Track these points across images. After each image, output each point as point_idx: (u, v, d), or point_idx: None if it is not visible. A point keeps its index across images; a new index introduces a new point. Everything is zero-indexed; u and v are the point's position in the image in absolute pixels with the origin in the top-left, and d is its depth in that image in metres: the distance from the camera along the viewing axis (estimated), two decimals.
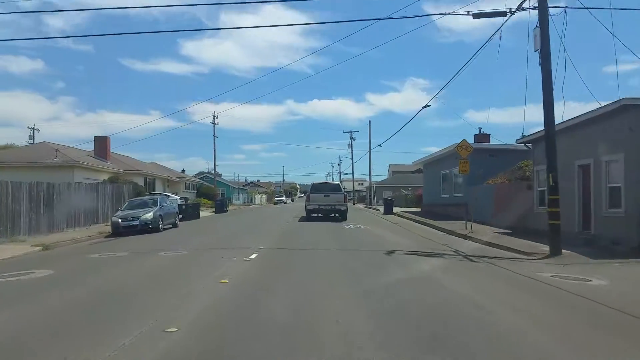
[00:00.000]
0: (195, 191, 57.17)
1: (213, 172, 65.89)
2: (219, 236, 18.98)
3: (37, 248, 15.82)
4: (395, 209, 36.87)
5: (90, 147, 38.52)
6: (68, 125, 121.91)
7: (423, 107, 25.64)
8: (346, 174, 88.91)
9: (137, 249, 14.92)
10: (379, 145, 71.67)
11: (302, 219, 27.31)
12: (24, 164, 30.26)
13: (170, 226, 23.32)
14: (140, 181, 38.49)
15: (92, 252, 14.27)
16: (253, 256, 11.80)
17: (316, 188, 28.04)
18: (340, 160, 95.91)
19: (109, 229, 22.37)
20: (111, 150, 39.87)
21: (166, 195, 28.96)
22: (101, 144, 38.62)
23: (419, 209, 38.47)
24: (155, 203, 22.39)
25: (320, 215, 26.64)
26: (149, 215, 20.89)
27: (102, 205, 25.10)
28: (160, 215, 21.59)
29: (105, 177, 32.85)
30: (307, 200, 27.73)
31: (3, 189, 17.41)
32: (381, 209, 41.97)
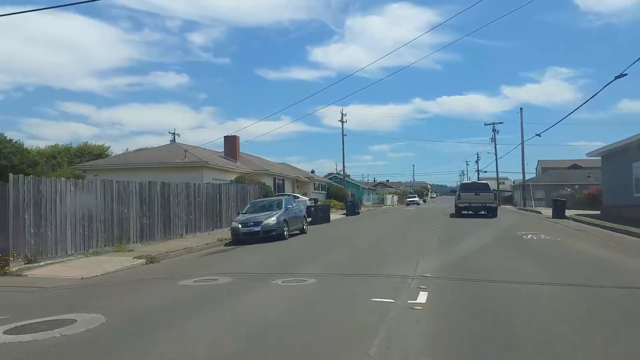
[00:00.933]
0: (324, 192, 54.24)
1: (342, 172, 62.69)
2: (357, 249, 14.60)
3: (140, 261, 12.91)
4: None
5: (222, 149, 37.29)
6: (210, 133, 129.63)
7: (616, 77, 19.30)
8: (484, 172, 79.91)
9: (248, 269, 11.14)
10: (538, 135, 61.87)
11: (452, 222, 23.95)
12: (155, 165, 29.42)
13: (298, 232, 19.65)
14: (269, 182, 36.18)
15: (191, 273, 10.77)
16: (421, 297, 7.03)
17: (466, 187, 30.63)
18: (478, 157, 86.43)
19: (230, 234, 19.46)
20: (242, 152, 38.40)
21: (294, 196, 25.50)
22: (231, 143, 37.08)
23: (597, 212, 30.47)
24: (279, 205, 18.86)
25: (470, 212, 28.48)
26: (272, 220, 17.34)
27: (225, 207, 22.42)
28: (285, 219, 17.95)
29: (233, 177, 30.81)
30: (458, 198, 29.52)
31: (107, 190, 15.01)
32: (543, 211, 34.81)
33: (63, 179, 13.81)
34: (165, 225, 17.77)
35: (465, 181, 35.55)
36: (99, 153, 48.95)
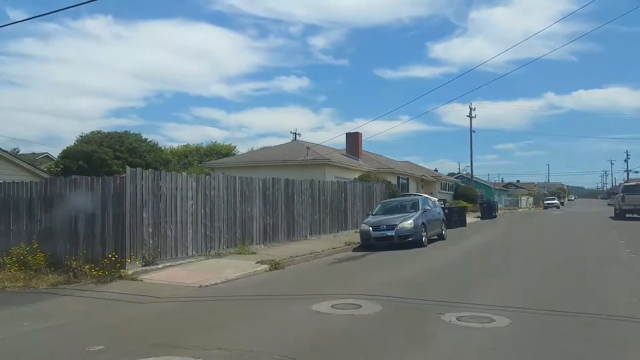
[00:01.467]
0: (451, 192, 50.16)
1: (465, 172, 57.89)
2: (542, 266, 11.54)
3: (263, 267, 11.28)
4: None
5: (341, 147, 35.60)
6: (328, 134, 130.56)
7: None
8: (635, 171, 68.83)
9: (396, 290, 8.70)
10: None
11: (626, 229, 19.81)
12: (277, 163, 28.55)
13: (435, 237, 16.90)
14: (393, 180, 33.64)
15: (323, 288, 8.75)
16: None
17: (631, 189, 28.33)
18: (627, 155, 75.17)
19: (357, 237, 17.37)
20: (363, 150, 36.42)
21: (427, 196, 22.70)
22: (352, 140, 35.21)
23: None
24: (415, 207, 16.29)
25: (635, 215, 26.80)
26: (409, 224, 14.85)
27: (350, 207, 20.42)
28: (423, 223, 15.36)
29: (356, 175, 28.88)
30: (622, 200, 27.63)
31: (230, 186, 13.71)
32: None
33: (184, 173, 12.73)
34: (289, 225, 16.19)
35: (629, 182, 32.39)
36: (226, 152, 50.32)
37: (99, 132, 35.64)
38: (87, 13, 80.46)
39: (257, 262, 11.64)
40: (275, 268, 11.44)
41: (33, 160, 34.42)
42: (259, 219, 14.72)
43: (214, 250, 12.74)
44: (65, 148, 34.07)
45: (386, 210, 16.64)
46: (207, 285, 9.48)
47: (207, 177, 12.97)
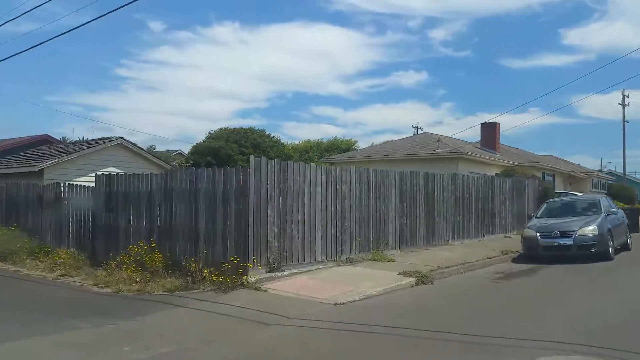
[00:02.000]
0: (604, 191, 43.29)
1: (609, 168, 49.81)
2: None
3: (407, 280, 9.07)
4: None
5: (471, 140, 32.01)
6: (449, 129, 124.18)
7: None
8: None
9: (625, 342, 5.96)
10: None
11: None
12: (403, 157, 26.10)
13: (619, 248, 13.23)
14: (537, 176, 29.25)
15: (506, 326, 6.27)
16: None
17: None
18: None
19: (510, 243, 14.45)
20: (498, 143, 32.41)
21: (604, 196, 18.64)
22: (489, 131, 31.38)
23: None
24: (594, 208, 12.87)
25: None
26: (591, 230, 11.54)
27: (498, 207, 17.30)
28: (609, 229, 11.90)
29: (494, 171, 25.33)
30: None
31: (363, 180, 11.65)
32: None
33: (313, 164, 10.99)
34: (428, 227, 13.75)
35: None
36: (346, 147, 48.83)
37: (225, 128, 36.17)
38: (216, 20, 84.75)
39: (399, 274, 9.43)
40: (422, 282, 9.15)
41: (167, 156, 35.96)
42: (395, 219, 12.49)
43: (344, 255, 10.80)
44: (195, 144, 35.05)
45: (554, 212, 13.38)
46: (343, 303, 7.51)
47: (338, 169, 11.07)
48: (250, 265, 8.63)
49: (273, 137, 35.84)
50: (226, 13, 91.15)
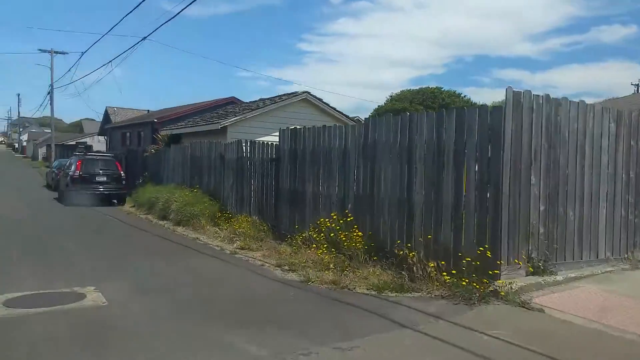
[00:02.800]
0: None
1: None
2: None
3: None
4: None
5: None
6: None
7: None
8: None
9: None
10: None
11: None
12: None
13: None
14: None
15: None
16: None
17: None
18: None
19: None
20: None
21: None
22: None
23: None
24: None
25: None
26: None
27: None
28: None
29: None
30: None
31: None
32: None
33: (597, 105, 7.02)
34: None
35: None
36: None
37: (409, 90, 32.96)
38: None
39: None
40: None
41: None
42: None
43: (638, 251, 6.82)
44: (376, 107, 32.61)
45: None
46: None
47: (634, 114, 6.95)
48: (503, 263, 5.38)
49: (464, 97, 31.41)
50: None
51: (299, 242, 7.80)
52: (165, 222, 12.31)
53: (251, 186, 10.48)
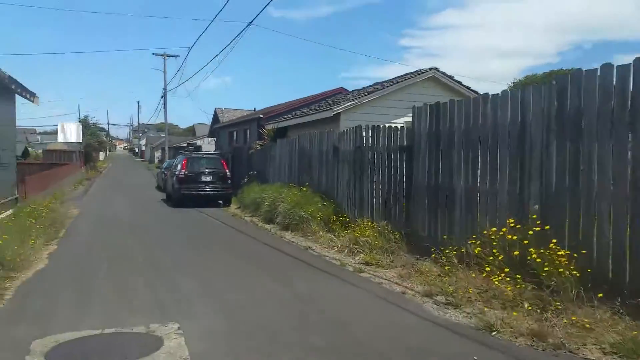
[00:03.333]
0: None
1: None
2: None
3: None
4: None
5: None
6: None
7: None
8: None
9: None
10: None
11: None
12: None
13: None
14: None
15: None
16: None
17: None
18: None
19: None
20: None
21: None
22: None
23: None
24: None
25: None
26: None
27: None
28: None
29: None
30: None
31: None
32: None
33: None
34: None
35: None
36: None
37: (534, 75, 28.92)
38: None
39: None
40: None
41: None
42: None
43: None
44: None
45: None
46: None
47: None
48: None
49: None
50: None
51: (452, 257, 5.51)
52: (271, 226, 10.68)
53: (373, 183, 8.36)
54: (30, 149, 34.75)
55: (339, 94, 18.54)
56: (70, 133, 33.21)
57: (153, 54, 35.21)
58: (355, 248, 7.22)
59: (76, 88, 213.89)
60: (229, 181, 15.70)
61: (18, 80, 10.50)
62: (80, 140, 34.08)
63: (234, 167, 17.44)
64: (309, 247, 8.16)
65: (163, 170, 22.01)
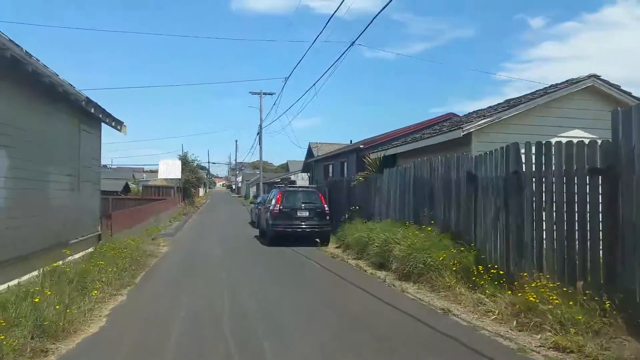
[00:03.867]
0: None
1: None
2: None
3: None
4: None
5: None
6: None
7: None
8: None
9: None
10: None
11: None
12: None
13: None
14: None
15: None
16: None
17: None
18: None
19: None
20: None
21: None
22: None
23: None
24: None
25: None
26: None
27: None
28: None
29: None
30: None
31: None
32: None
33: None
34: None
35: None
36: None
37: None
38: (606, 2, 68.59)
39: None
40: None
41: None
42: None
43: None
44: None
45: None
46: None
47: None
48: None
49: None
50: None
51: None
52: (384, 273, 8.53)
53: (542, 222, 5.90)
54: (132, 185, 35.86)
55: (449, 119, 16.19)
56: (170, 169, 33.75)
57: (250, 92, 35.33)
58: (534, 318, 4.80)
59: (178, 128, 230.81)
60: (328, 217, 13.86)
61: (105, 109, 9.49)
62: (180, 177, 34.55)
63: (331, 202, 15.61)
64: (448, 310, 5.86)
65: (257, 205, 20.86)
